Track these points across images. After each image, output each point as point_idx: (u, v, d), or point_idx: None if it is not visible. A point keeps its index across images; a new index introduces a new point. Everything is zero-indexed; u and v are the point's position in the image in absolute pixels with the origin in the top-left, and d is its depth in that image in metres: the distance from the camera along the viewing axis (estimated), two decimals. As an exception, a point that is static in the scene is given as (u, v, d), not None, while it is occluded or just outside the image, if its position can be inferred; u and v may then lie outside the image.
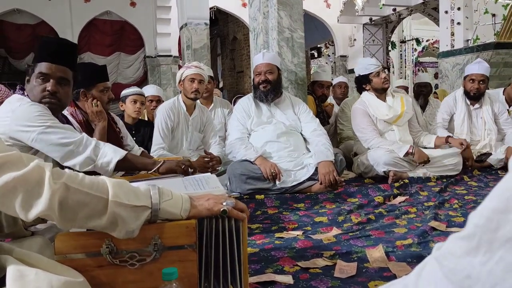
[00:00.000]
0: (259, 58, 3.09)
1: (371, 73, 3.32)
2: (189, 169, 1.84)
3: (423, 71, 12.62)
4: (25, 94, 1.74)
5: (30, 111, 1.66)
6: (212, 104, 3.70)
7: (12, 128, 1.64)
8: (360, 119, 3.31)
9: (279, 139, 2.94)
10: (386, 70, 3.36)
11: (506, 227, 0.40)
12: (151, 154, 2.87)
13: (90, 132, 2.27)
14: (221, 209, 0.99)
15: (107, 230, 0.90)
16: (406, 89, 5.19)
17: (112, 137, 2.39)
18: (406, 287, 0.52)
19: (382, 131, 3.30)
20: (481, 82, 3.59)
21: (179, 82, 3.12)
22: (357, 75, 3.45)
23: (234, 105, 4.47)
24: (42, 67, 1.69)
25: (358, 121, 3.33)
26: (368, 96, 3.36)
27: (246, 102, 3.12)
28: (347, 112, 4.06)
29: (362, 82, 3.40)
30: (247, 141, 2.97)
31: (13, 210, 0.83)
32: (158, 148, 2.98)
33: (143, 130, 3.30)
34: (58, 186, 0.85)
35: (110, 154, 1.76)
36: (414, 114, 3.48)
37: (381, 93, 3.34)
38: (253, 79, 3.11)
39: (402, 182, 2.92)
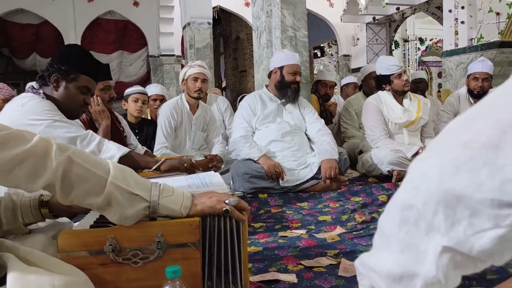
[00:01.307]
0: (294, 58, 3.03)
1: (393, 74, 3.21)
2: (191, 168, 1.84)
3: (426, 70, 12.58)
4: (40, 93, 1.75)
5: (39, 106, 1.70)
6: (206, 103, 3.68)
7: (20, 121, 1.67)
8: (372, 116, 3.23)
9: (283, 138, 2.93)
10: (407, 72, 3.26)
11: (468, 131, 0.43)
12: (154, 153, 2.87)
13: (93, 131, 2.27)
14: (224, 209, 0.98)
15: (102, 210, 0.91)
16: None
17: (116, 136, 2.40)
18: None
19: (392, 132, 3.25)
20: (484, 80, 3.57)
21: (182, 81, 3.12)
22: (377, 74, 3.36)
23: (238, 103, 4.46)
24: (88, 82, 1.79)
25: (369, 117, 3.26)
26: (385, 95, 3.28)
27: (253, 99, 3.06)
28: (351, 111, 4.04)
29: (382, 82, 3.29)
30: (251, 139, 2.95)
31: (20, 182, 0.85)
32: (161, 147, 2.98)
33: (146, 129, 3.30)
34: (63, 158, 0.88)
35: (114, 150, 1.78)
36: (430, 120, 3.40)
37: (400, 95, 3.25)
38: (283, 76, 2.97)
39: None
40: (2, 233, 0.99)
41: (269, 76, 3.12)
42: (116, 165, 0.95)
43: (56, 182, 0.87)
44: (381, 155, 3.06)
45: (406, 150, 3.08)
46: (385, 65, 3.28)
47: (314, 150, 2.98)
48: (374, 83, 3.93)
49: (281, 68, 2.99)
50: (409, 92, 3.35)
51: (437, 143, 0.46)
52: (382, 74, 3.28)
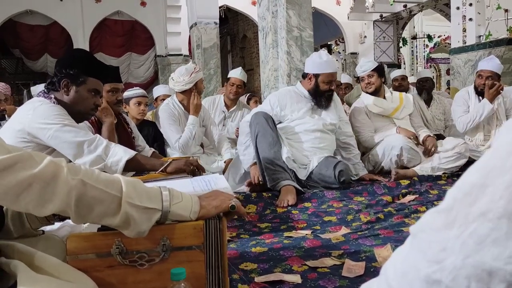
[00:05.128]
0: (332, 65, 2.97)
1: (359, 76, 3.51)
2: (197, 170, 1.86)
3: (434, 67, 12.51)
4: (51, 97, 1.79)
5: (50, 111, 1.75)
6: (235, 106, 3.83)
7: (31, 124, 1.73)
8: (355, 118, 3.42)
9: (312, 133, 2.91)
10: (373, 74, 3.41)
11: (481, 201, 0.40)
12: (174, 145, 3.09)
13: (101, 130, 2.32)
14: (230, 205, 1.01)
15: (120, 228, 0.92)
16: (417, 85, 5.15)
17: (124, 137, 2.44)
18: (385, 269, 0.53)
19: (383, 125, 3.36)
20: (488, 79, 3.57)
21: (194, 84, 3.21)
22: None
23: (248, 102, 4.47)
24: (96, 84, 1.84)
25: (353, 120, 3.42)
26: (364, 94, 3.48)
27: (285, 96, 3.02)
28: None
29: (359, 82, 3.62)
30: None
31: (29, 207, 0.83)
32: (176, 139, 3.11)
33: (147, 130, 3.30)
34: (76, 182, 0.86)
35: (120, 153, 1.81)
36: (417, 111, 3.59)
37: (372, 94, 3.42)
38: (317, 84, 2.93)
39: (410, 181, 2.90)
40: (14, 240, 1.02)
41: (304, 76, 3.07)
42: (126, 179, 0.94)
43: (69, 207, 0.86)
44: (392, 140, 3.16)
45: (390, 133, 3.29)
46: (357, 67, 3.56)
47: (336, 154, 3.06)
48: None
49: (316, 75, 2.93)
50: (389, 89, 3.60)
51: (446, 212, 0.44)
52: (357, 75, 3.58)
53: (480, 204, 0.41)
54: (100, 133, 2.19)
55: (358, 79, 3.60)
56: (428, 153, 3.18)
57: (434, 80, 12.67)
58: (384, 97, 3.46)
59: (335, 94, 3.15)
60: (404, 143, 3.08)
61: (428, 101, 4.43)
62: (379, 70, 3.46)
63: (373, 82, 3.42)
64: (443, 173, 3.09)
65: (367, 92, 3.45)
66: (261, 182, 2.74)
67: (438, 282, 0.42)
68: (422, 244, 0.45)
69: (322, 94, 2.94)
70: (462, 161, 3.15)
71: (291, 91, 3.06)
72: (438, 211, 0.45)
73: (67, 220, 1.19)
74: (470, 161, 3.21)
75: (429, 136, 3.31)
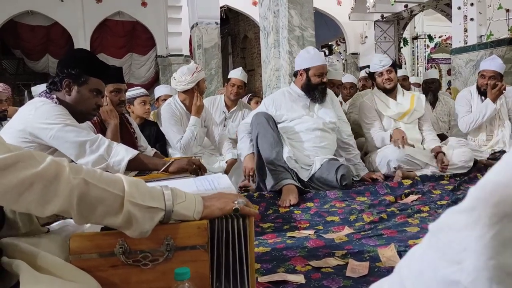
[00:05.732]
0: (320, 58, 2.99)
1: (375, 72, 3.38)
2: (199, 169, 1.86)
3: (435, 67, 12.49)
4: (53, 97, 1.79)
5: (52, 111, 1.75)
6: (236, 107, 3.81)
7: (33, 125, 1.72)
8: (365, 114, 3.36)
9: (313, 132, 2.90)
10: (392, 70, 3.34)
11: (506, 201, 0.40)
12: (176, 145, 3.07)
13: (104, 132, 2.31)
14: (233, 208, 1.00)
15: (122, 228, 0.91)
16: (418, 86, 5.13)
17: (127, 138, 2.43)
18: (399, 268, 0.51)
19: (390, 127, 3.30)
20: (491, 79, 3.56)
21: (196, 83, 3.19)
22: (369, 71, 3.53)
23: (249, 102, 4.47)
24: (98, 84, 1.84)
25: (363, 116, 3.38)
26: (377, 92, 3.41)
27: (280, 97, 3.03)
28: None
29: (373, 79, 3.47)
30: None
31: (29, 207, 0.82)
32: (178, 140, 3.09)
33: (149, 131, 3.30)
34: (78, 181, 0.85)
35: (122, 153, 1.81)
36: (427, 114, 3.47)
37: (385, 92, 3.35)
38: (309, 78, 2.93)
39: (413, 181, 2.89)
40: (21, 236, 1.01)
41: (295, 75, 3.07)
42: (128, 179, 0.93)
43: (71, 207, 0.85)
44: (388, 152, 3.08)
45: (386, 136, 3.21)
46: (372, 62, 3.42)
47: (336, 155, 3.02)
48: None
49: (306, 70, 2.94)
50: (402, 88, 3.47)
51: (468, 212, 0.42)
52: (371, 71, 3.44)
53: (504, 204, 0.40)
54: (102, 134, 2.18)
55: (371, 77, 3.49)
56: (440, 169, 3.07)
57: (436, 81, 12.72)
58: (395, 98, 3.36)
59: (331, 92, 3.16)
60: (400, 157, 3.01)
61: (433, 103, 4.41)
62: (395, 67, 3.40)
63: (393, 78, 3.33)
64: (446, 174, 3.08)
65: (385, 88, 3.33)
66: (254, 182, 2.77)
67: (457, 283, 0.41)
68: (441, 244, 0.44)
69: (315, 87, 2.94)
70: (464, 170, 3.11)
71: (285, 91, 3.08)
72: (460, 211, 0.44)
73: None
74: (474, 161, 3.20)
75: (439, 152, 3.13)
